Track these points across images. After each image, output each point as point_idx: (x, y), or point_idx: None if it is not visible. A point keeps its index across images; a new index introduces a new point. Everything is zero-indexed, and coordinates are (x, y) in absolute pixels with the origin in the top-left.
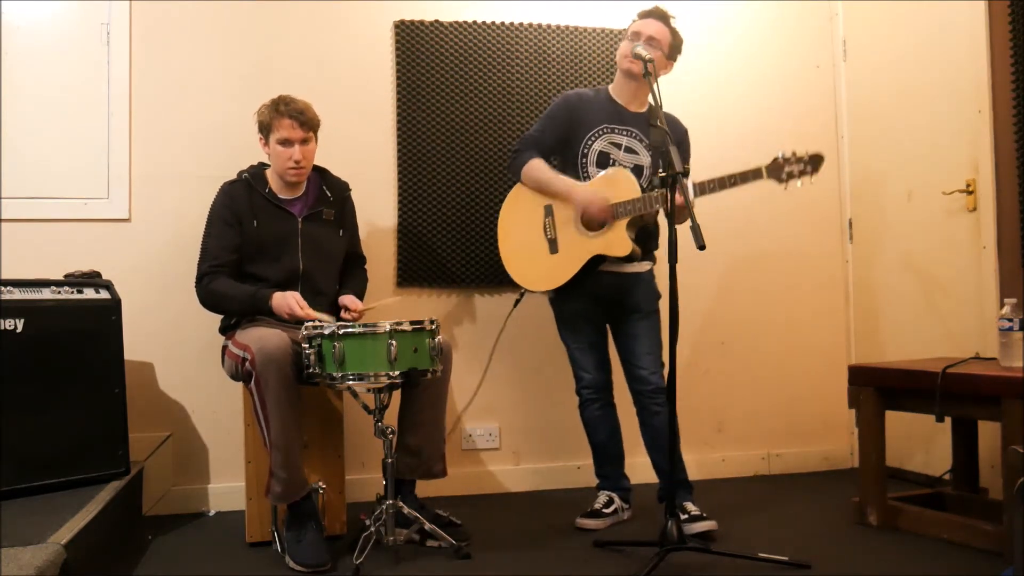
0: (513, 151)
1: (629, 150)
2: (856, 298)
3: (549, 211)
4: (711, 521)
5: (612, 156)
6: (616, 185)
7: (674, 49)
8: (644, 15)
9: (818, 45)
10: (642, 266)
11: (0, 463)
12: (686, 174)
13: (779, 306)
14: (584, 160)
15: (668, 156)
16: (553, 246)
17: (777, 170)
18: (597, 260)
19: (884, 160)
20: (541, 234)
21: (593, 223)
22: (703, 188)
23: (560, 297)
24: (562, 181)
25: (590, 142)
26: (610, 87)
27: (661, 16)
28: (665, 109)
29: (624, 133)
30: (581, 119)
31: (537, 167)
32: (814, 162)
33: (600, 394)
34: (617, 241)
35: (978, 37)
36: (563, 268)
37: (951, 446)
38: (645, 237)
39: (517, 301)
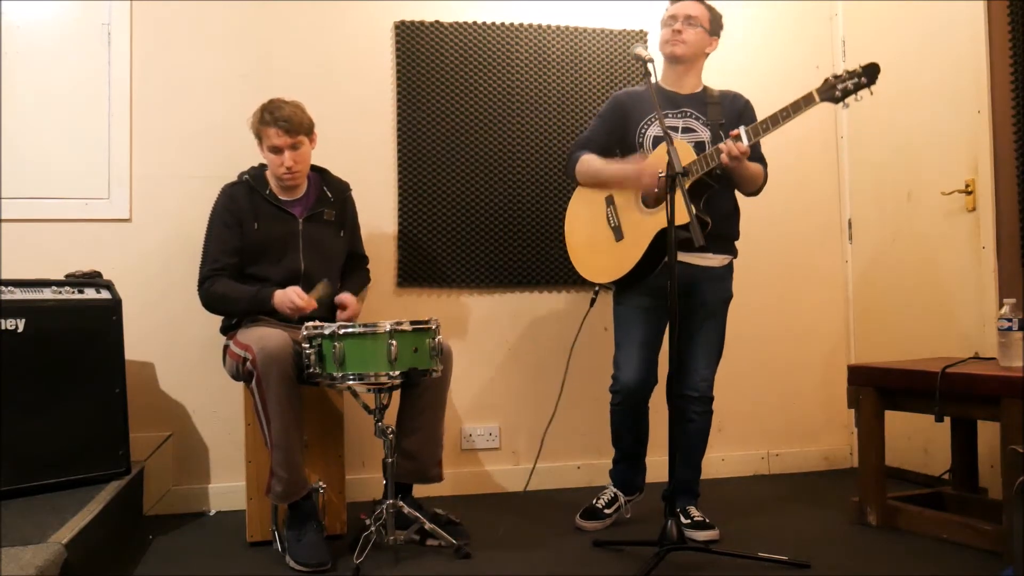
0: (567, 156)
1: (687, 130)
2: (856, 298)
3: (610, 201)
4: (714, 530)
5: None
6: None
7: (714, 23)
8: None
9: (817, 45)
10: (716, 259)
11: (0, 463)
12: (685, 173)
13: (779, 306)
14: (642, 149)
15: (670, 157)
16: (618, 233)
17: (829, 90)
18: (664, 238)
19: (884, 160)
20: (605, 225)
21: (651, 198)
22: (756, 131)
23: (623, 288)
24: (612, 165)
25: (644, 129)
26: (659, 79)
27: None
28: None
29: (679, 116)
30: (632, 111)
31: (587, 161)
32: (869, 72)
33: (631, 400)
34: (677, 211)
35: (977, 37)
36: (631, 251)
37: (950, 446)
38: (718, 221)
39: (593, 300)
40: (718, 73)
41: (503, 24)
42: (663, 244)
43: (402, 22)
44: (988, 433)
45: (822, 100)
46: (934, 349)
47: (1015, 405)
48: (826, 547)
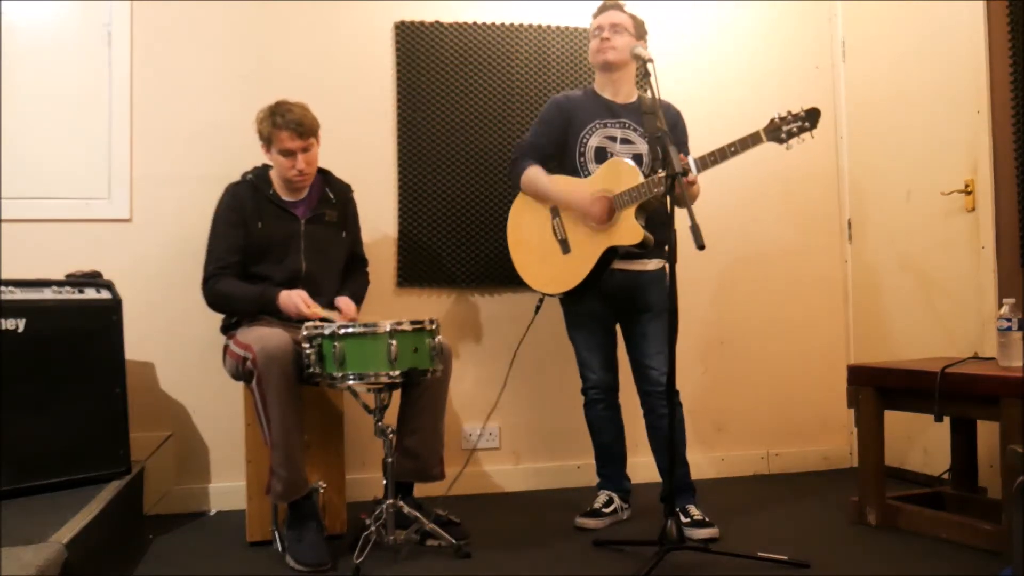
0: (511, 160)
1: (625, 141)
2: (855, 298)
3: (556, 212)
4: (713, 528)
5: (609, 149)
6: (618, 175)
7: (639, 28)
8: (599, 10)
9: (817, 46)
10: (655, 264)
11: (0, 463)
12: (684, 173)
13: (779, 306)
14: (583, 159)
15: (668, 157)
16: (565, 246)
17: (775, 131)
18: (610, 254)
19: (883, 160)
20: (551, 236)
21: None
22: (704, 162)
23: (571, 297)
24: (559, 190)
25: (585, 139)
26: (594, 85)
27: (614, 5)
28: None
29: (618, 126)
30: (573, 118)
31: (533, 176)
32: (811, 117)
33: (606, 395)
34: (628, 230)
35: (977, 38)
36: (578, 267)
37: (950, 446)
38: (655, 230)
39: (538, 308)
40: (718, 74)
41: (503, 24)
42: (608, 260)
43: (402, 22)
44: (988, 433)
45: (768, 140)
46: (934, 349)
47: (1014, 405)
48: (826, 547)
